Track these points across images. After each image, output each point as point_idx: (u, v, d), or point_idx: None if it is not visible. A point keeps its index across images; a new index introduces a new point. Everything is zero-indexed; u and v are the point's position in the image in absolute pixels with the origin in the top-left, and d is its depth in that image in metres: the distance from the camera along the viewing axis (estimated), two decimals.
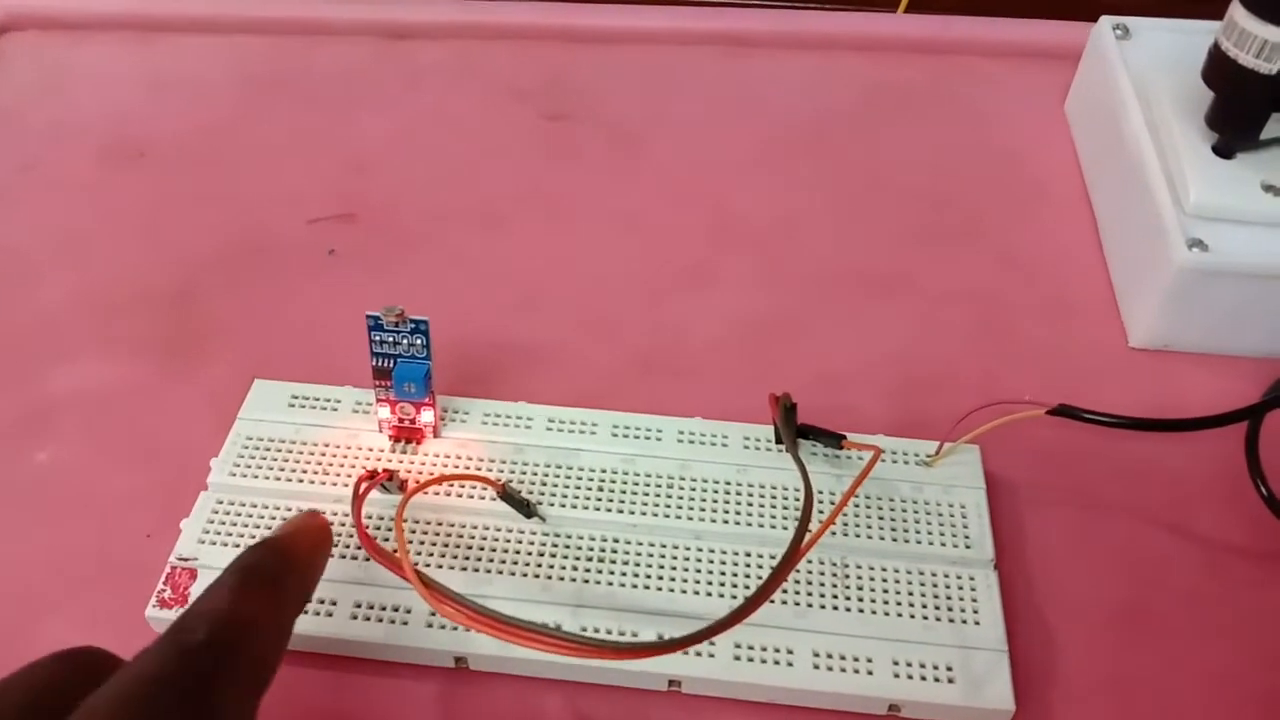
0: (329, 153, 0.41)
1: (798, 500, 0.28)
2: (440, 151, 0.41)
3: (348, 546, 0.27)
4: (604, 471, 0.29)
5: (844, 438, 0.29)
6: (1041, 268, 0.37)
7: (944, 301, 0.36)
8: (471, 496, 0.28)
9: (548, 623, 0.26)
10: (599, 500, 0.28)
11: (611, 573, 0.27)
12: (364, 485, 0.27)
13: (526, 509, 0.28)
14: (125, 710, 0.16)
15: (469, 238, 0.38)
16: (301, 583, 0.22)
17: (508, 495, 0.28)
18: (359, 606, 0.26)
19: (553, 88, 0.44)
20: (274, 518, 0.28)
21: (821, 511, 0.28)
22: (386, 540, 0.27)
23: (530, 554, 0.27)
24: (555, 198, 0.39)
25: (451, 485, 0.28)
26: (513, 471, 0.29)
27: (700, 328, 0.35)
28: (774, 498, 0.29)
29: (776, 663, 0.25)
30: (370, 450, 0.29)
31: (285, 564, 0.22)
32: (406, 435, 0.29)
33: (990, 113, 0.43)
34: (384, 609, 0.26)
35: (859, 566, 0.27)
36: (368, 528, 0.27)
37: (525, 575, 0.27)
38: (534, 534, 0.28)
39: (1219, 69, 0.32)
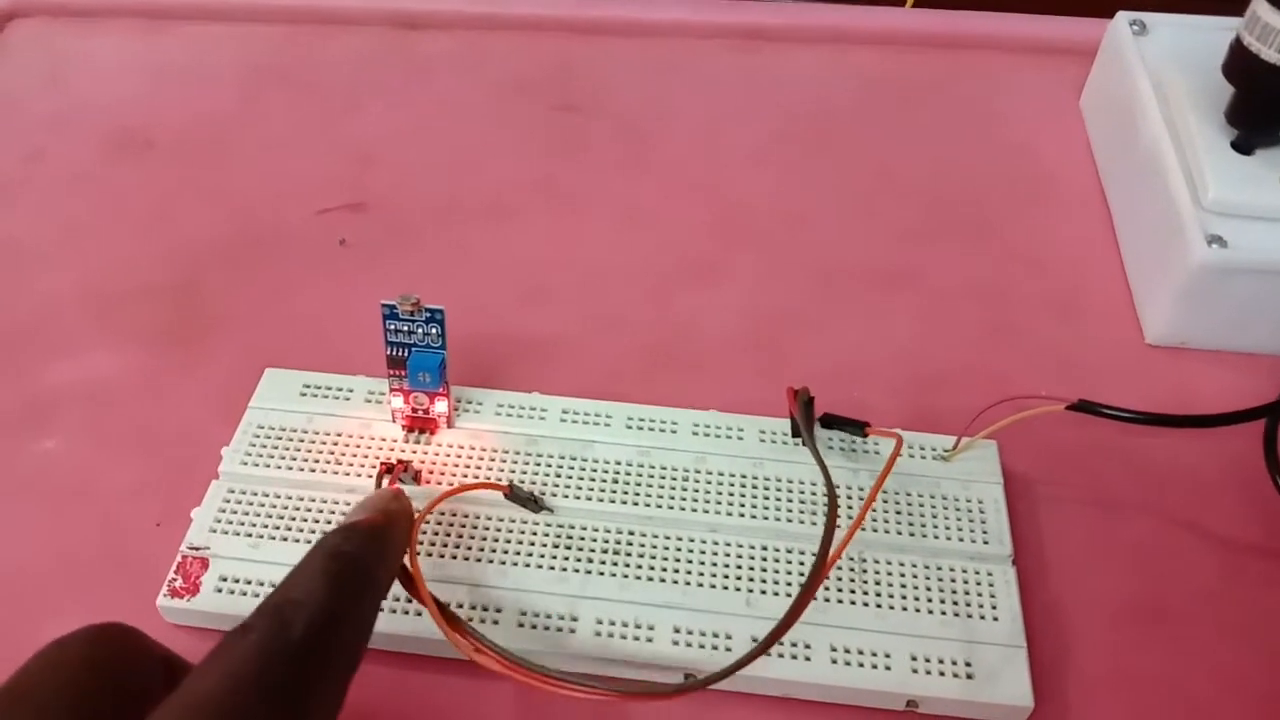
0: (337, 143, 0.41)
1: (814, 494, 0.28)
2: (448, 142, 0.41)
3: None
4: (618, 463, 0.29)
5: (867, 425, 0.28)
6: (1055, 264, 0.37)
7: (956, 297, 0.35)
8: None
9: (567, 620, 0.26)
10: (613, 492, 0.28)
11: (626, 565, 0.27)
12: (385, 482, 0.26)
13: (535, 505, 0.28)
14: (228, 712, 0.16)
15: (478, 229, 0.38)
16: (390, 573, 0.21)
17: (515, 495, 0.28)
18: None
19: (561, 80, 0.44)
20: (286, 507, 0.28)
21: (841, 510, 0.28)
22: None
23: (544, 545, 0.27)
24: (564, 190, 0.39)
25: (464, 478, 0.28)
26: (526, 463, 0.29)
27: (710, 322, 0.35)
28: (790, 491, 0.28)
29: (795, 657, 0.25)
30: (384, 440, 0.29)
31: (378, 554, 0.21)
32: (420, 425, 0.29)
33: (1003, 108, 0.43)
34: (398, 600, 0.26)
35: (877, 561, 0.27)
36: None
37: (539, 567, 0.27)
38: (548, 526, 0.27)
39: (1240, 64, 0.31)
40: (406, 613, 0.26)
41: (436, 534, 0.27)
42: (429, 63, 0.44)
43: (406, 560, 0.23)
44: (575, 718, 0.25)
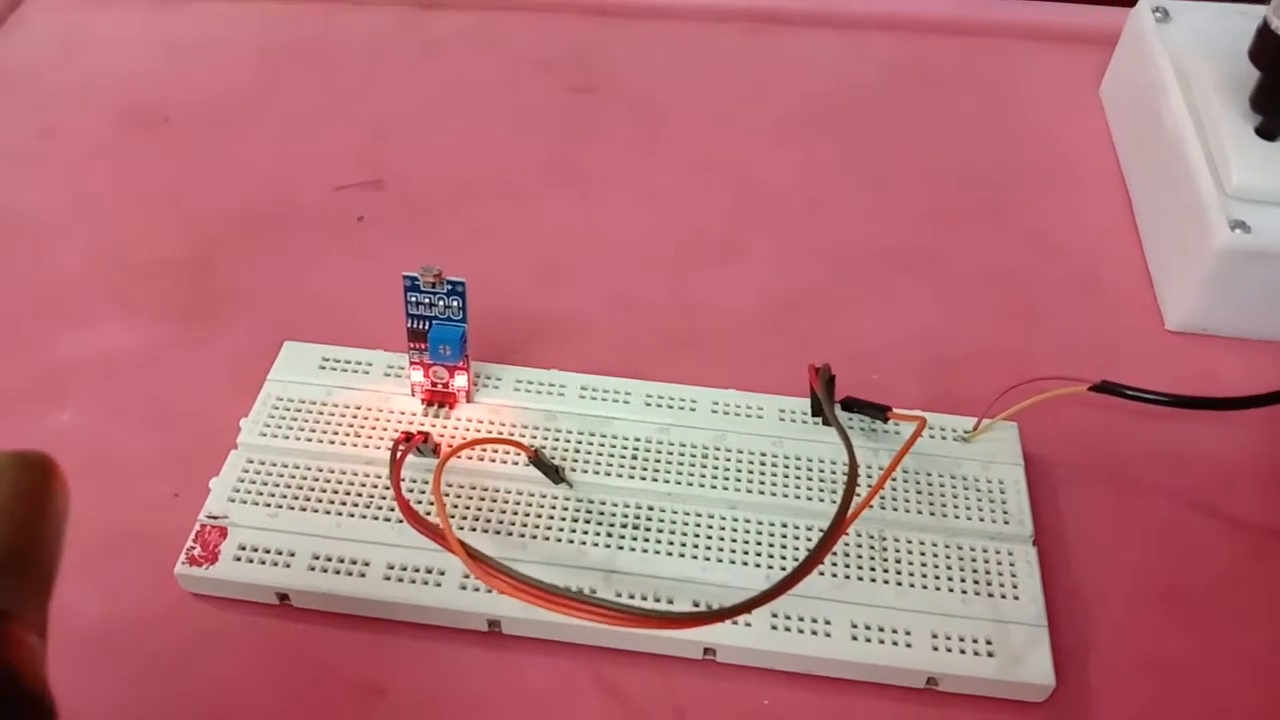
0: (353, 120, 0.41)
1: (834, 472, 0.28)
2: (465, 121, 0.41)
3: (380, 508, 0.27)
4: (638, 440, 0.29)
5: (888, 409, 0.28)
6: (1075, 249, 0.36)
7: (974, 281, 0.35)
8: (505, 461, 0.28)
9: (586, 589, 0.25)
10: (633, 468, 0.28)
11: (646, 540, 0.27)
12: (401, 449, 0.26)
13: (557, 475, 0.28)
14: None
15: (494, 207, 0.38)
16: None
17: (539, 461, 0.27)
18: (391, 568, 0.26)
19: (576, 60, 0.44)
20: (305, 478, 0.27)
21: (862, 484, 0.28)
22: (420, 503, 0.27)
23: (564, 520, 0.27)
24: (579, 170, 0.39)
25: (484, 450, 0.28)
26: (545, 438, 0.29)
27: (727, 303, 0.34)
28: (809, 470, 0.28)
29: (814, 633, 0.25)
30: (402, 414, 0.29)
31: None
32: (439, 399, 0.29)
33: (1023, 94, 0.42)
34: (417, 570, 0.26)
35: (898, 540, 0.27)
36: (402, 490, 0.27)
37: (559, 541, 0.27)
38: (568, 500, 0.27)
39: (1268, 48, 0.31)
40: (426, 583, 0.26)
41: (457, 506, 0.27)
42: (445, 41, 0.44)
43: (435, 512, 0.23)
44: (597, 687, 0.25)
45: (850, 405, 0.29)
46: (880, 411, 0.28)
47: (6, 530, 0.13)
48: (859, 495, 0.25)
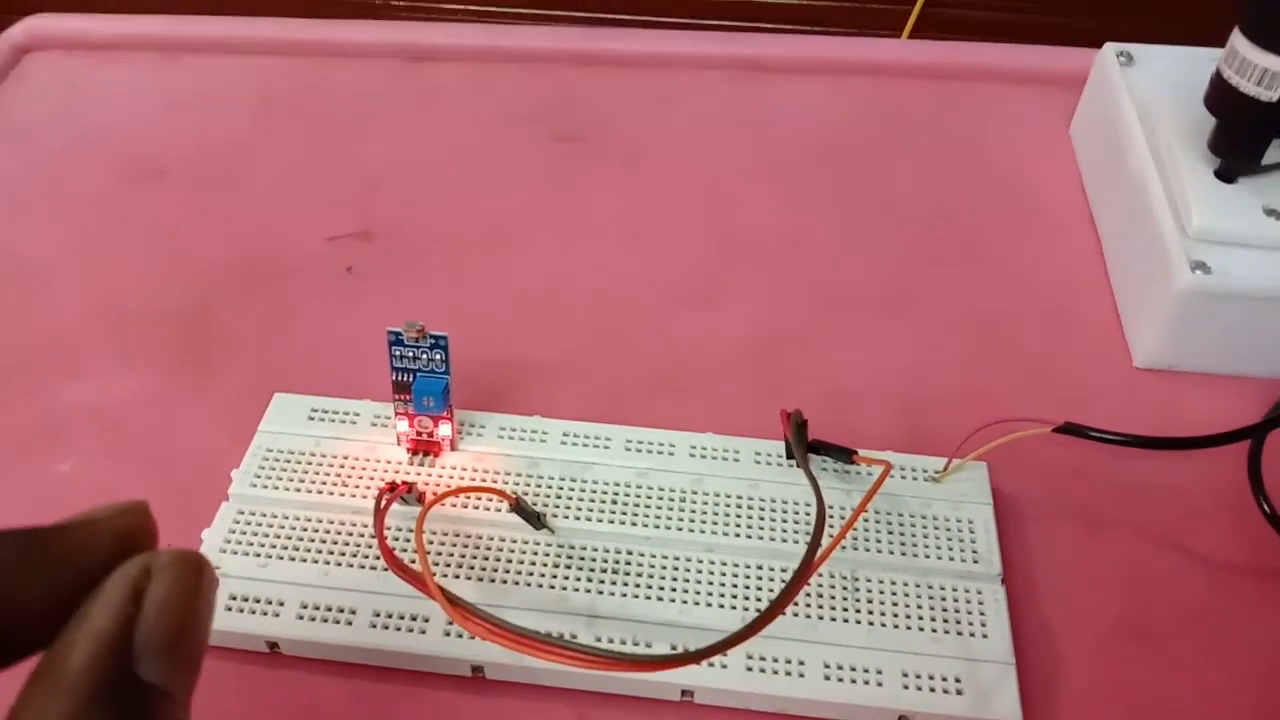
0: (345, 172, 0.42)
1: (809, 514, 0.29)
2: (453, 171, 0.42)
3: (366, 556, 0.28)
4: (618, 485, 0.30)
5: (855, 452, 0.29)
6: (1046, 289, 0.37)
7: (949, 321, 0.36)
8: (487, 509, 0.29)
9: (566, 635, 0.26)
10: (613, 513, 0.29)
11: (625, 585, 0.27)
12: (385, 499, 0.27)
13: (537, 521, 0.28)
14: None
15: (482, 256, 0.39)
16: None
17: (520, 508, 0.28)
18: (377, 615, 0.27)
19: (563, 110, 0.45)
20: (294, 528, 0.28)
21: (832, 526, 0.28)
22: (405, 551, 0.28)
23: (545, 565, 0.28)
24: (566, 218, 0.40)
25: (467, 498, 0.29)
26: (528, 484, 0.29)
27: (709, 346, 0.35)
28: (785, 512, 0.29)
29: (788, 674, 0.26)
30: (389, 463, 0.30)
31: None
32: (424, 448, 0.30)
33: (995, 136, 0.43)
34: (402, 618, 0.27)
35: (869, 580, 0.28)
36: (387, 539, 0.28)
37: (540, 586, 0.27)
38: (549, 546, 0.28)
39: (1221, 96, 0.32)
40: (411, 630, 0.26)
41: (441, 553, 0.28)
42: (434, 94, 0.46)
43: (413, 555, 0.24)
44: None
45: (818, 448, 0.30)
46: (847, 455, 0.29)
47: (172, 622, 0.15)
48: (828, 537, 0.25)
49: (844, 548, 0.28)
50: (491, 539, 0.28)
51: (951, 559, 0.28)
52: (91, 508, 0.16)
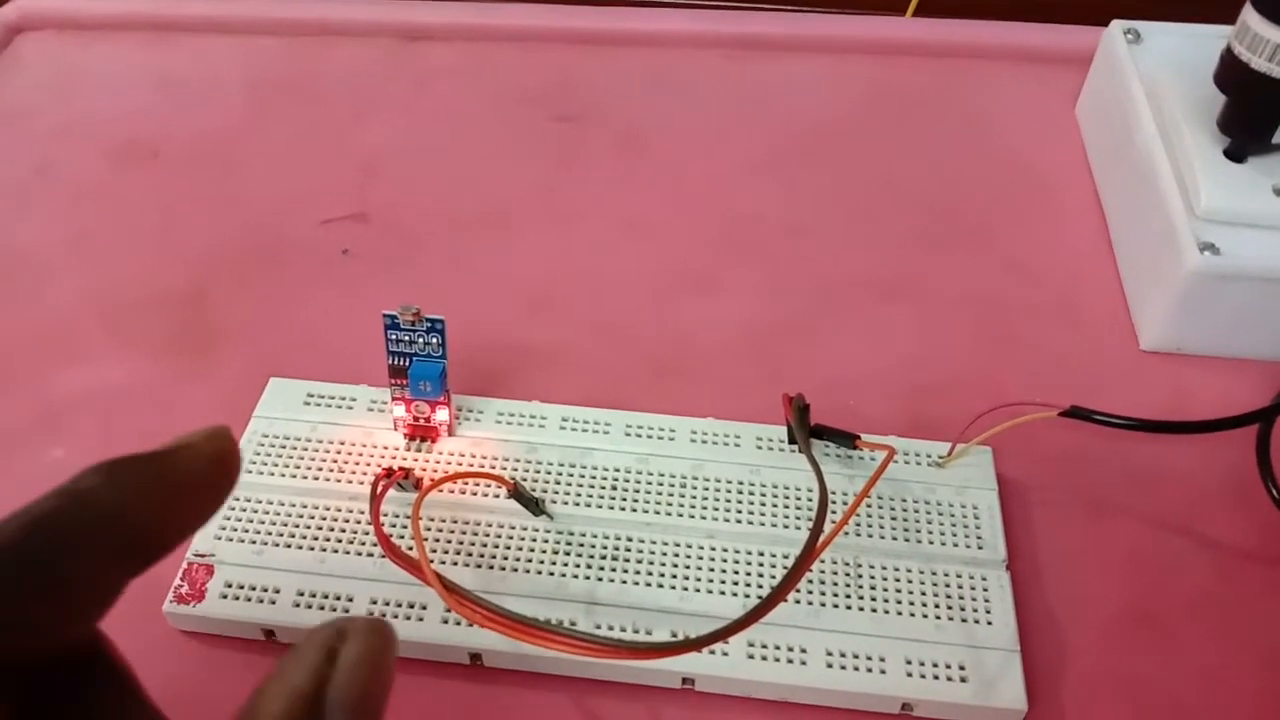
0: (340, 154, 0.41)
1: (810, 500, 0.29)
2: (450, 153, 0.42)
3: (363, 543, 0.27)
4: (617, 470, 0.29)
5: (858, 437, 0.29)
6: (1052, 271, 0.37)
7: (953, 305, 0.36)
8: (485, 494, 0.29)
9: (565, 621, 0.26)
10: (613, 499, 0.29)
11: (625, 571, 0.27)
12: (381, 484, 0.27)
13: (536, 507, 0.28)
14: None
15: (479, 239, 0.38)
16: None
17: (519, 494, 0.28)
18: (374, 603, 0.26)
19: (561, 90, 0.44)
20: (290, 514, 0.28)
21: (835, 512, 0.28)
22: (402, 538, 0.28)
23: (544, 552, 0.27)
24: (564, 200, 0.40)
25: (465, 483, 0.29)
26: (526, 470, 0.29)
27: (709, 331, 0.35)
28: (787, 498, 0.29)
29: (790, 661, 0.26)
30: (386, 448, 0.29)
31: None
32: (421, 433, 0.30)
33: (1000, 116, 0.43)
34: (399, 605, 0.26)
35: (872, 566, 0.27)
36: (384, 525, 0.27)
37: (539, 573, 0.27)
38: (548, 532, 0.28)
39: (1231, 73, 0.32)
40: (409, 618, 0.26)
41: (439, 540, 0.28)
42: (430, 74, 0.45)
43: (410, 542, 0.24)
44: (580, 718, 0.26)
45: (820, 433, 0.29)
46: (849, 440, 0.29)
47: (362, 682, 0.15)
48: (830, 523, 0.25)
49: (847, 534, 0.28)
50: (489, 525, 0.28)
51: (956, 545, 0.28)
52: (183, 433, 0.16)
